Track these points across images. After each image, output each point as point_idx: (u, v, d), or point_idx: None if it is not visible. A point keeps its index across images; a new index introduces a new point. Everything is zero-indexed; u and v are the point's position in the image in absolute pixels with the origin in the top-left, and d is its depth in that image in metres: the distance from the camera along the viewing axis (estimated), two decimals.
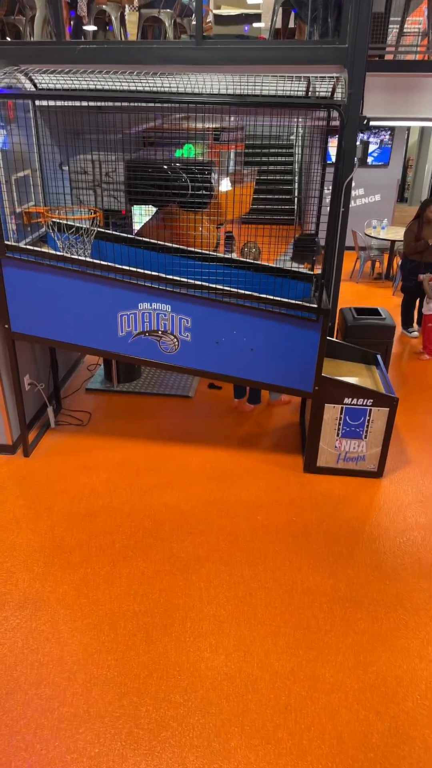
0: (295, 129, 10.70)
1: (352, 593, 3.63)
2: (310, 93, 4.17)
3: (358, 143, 4.94)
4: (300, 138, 11.16)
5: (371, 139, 10.20)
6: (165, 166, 4.83)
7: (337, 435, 4.60)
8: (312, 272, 4.89)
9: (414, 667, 3.16)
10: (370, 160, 10.29)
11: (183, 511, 4.30)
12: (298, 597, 3.59)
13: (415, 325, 7.31)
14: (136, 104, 4.01)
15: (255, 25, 10.96)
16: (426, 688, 3.05)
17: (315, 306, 4.27)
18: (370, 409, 4.49)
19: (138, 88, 4.03)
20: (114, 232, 4.90)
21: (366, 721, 2.88)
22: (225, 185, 5.94)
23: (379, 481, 4.69)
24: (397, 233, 9.07)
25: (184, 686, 3.03)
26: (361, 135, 10.14)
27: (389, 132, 10.16)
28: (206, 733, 2.81)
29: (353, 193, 10.35)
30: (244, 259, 5.00)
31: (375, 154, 10.31)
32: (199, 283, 4.27)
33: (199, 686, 3.03)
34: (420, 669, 3.15)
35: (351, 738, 2.80)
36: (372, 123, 5.06)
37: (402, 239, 7.57)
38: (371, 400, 4.48)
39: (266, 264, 4.84)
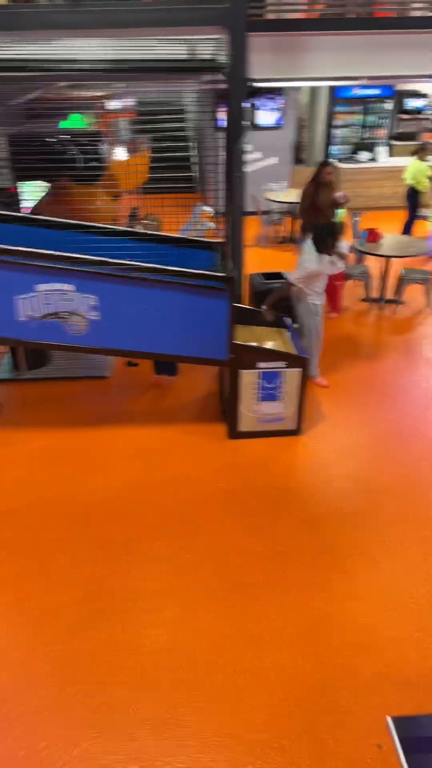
0: (185, 94, 10.51)
1: (284, 548, 3.76)
2: (192, 56, 4.08)
3: (247, 106, 4.91)
4: (191, 103, 10.97)
5: (269, 104, 10.19)
6: (52, 139, 4.61)
7: (256, 399, 4.69)
8: (215, 240, 4.88)
9: (346, 611, 3.34)
10: (272, 121, 10.31)
11: (110, 495, 4.26)
12: (232, 560, 3.68)
13: None
14: (8, 74, 3.76)
15: None
16: (358, 627, 3.24)
17: (221, 274, 4.27)
18: (284, 371, 4.60)
19: (11, 56, 3.78)
20: (3, 212, 4.65)
21: (305, 668, 3.02)
22: (119, 155, 5.76)
23: (299, 438, 4.84)
24: (296, 196, 9.19)
25: (131, 665, 3.05)
26: (254, 99, 10.11)
27: (283, 95, 10.19)
28: (154, 706, 2.85)
29: (251, 156, 10.35)
30: (146, 231, 4.91)
31: (274, 119, 10.33)
32: (100, 259, 4.15)
33: (147, 662, 3.06)
34: (352, 611, 3.34)
35: (293, 685, 2.94)
36: (260, 84, 5.05)
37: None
38: (284, 363, 4.58)
39: (169, 235, 4.77)
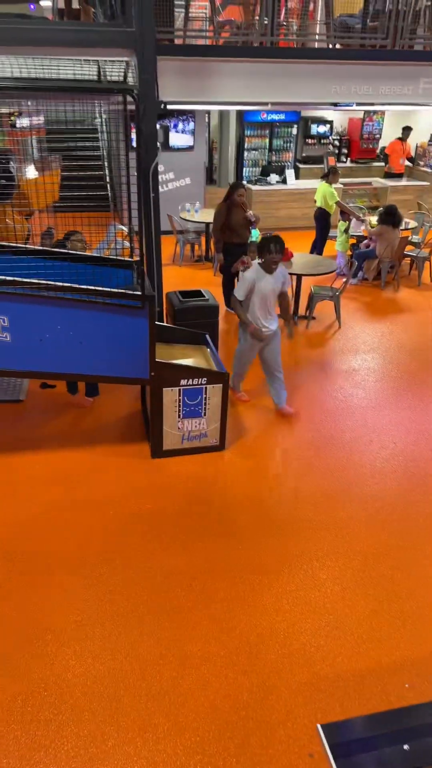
0: (98, 114, 10.49)
1: (209, 565, 3.76)
2: (101, 77, 4.09)
3: (158, 128, 4.97)
4: (104, 123, 10.96)
5: (179, 126, 10.35)
6: None
7: (179, 416, 4.69)
8: (131, 259, 4.87)
9: (272, 622, 3.38)
10: (184, 143, 10.45)
11: (27, 523, 4.08)
12: (158, 582, 3.62)
13: None
14: None
15: (42, 3, 10.44)
16: (284, 637, 3.29)
17: (139, 293, 4.26)
18: (206, 387, 4.64)
19: None
20: None
21: (235, 684, 3.02)
22: (29, 173, 5.63)
23: (222, 453, 4.88)
24: (210, 215, 9.38)
25: (52, 701, 2.91)
26: (166, 121, 10.25)
27: (193, 118, 10.40)
28: (81, 741, 2.74)
29: (164, 177, 10.46)
30: (60, 250, 4.82)
31: (186, 140, 10.49)
32: (11, 279, 4.02)
33: (68, 697, 2.93)
34: (277, 622, 3.38)
35: (223, 702, 2.93)
36: (170, 107, 5.13)
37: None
38: (205, 379, 4.62)
39: (85, 254, 4.71)
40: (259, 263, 4.93)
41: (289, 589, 3.60)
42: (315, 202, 9.09)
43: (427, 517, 4.22)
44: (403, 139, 11.48)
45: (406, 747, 2.33)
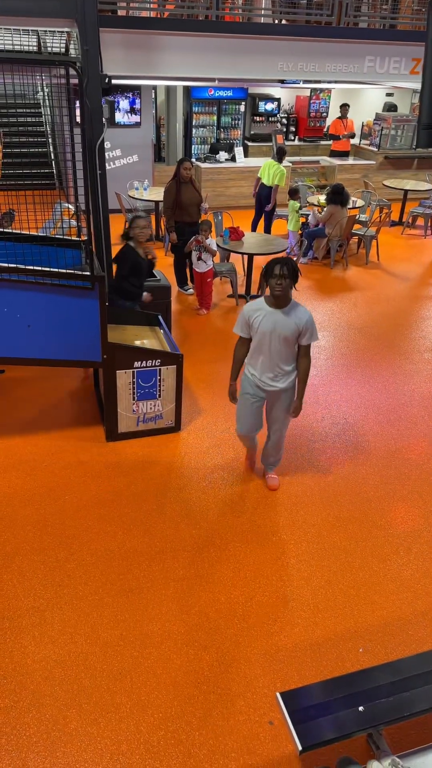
0: (39, 88, 10.10)
1: (167, 545, 3.78)
2: (42, 49, 3.93)
3: (103, 103, 4.83)
4: (47, 97, 10.58)
5: (123, 100, 10.08)
6: None
7: (133, 399, 4.65)
8: (79, 239, 4.76)
9: (230, 597, 3.44)
10: (130, 119, 10.19)
11: None
12: (116, 563, 3.62)
13: (189, 282, 7.62)
14: None
15: None
16: (243, 611, 3.36)
17: (88, 273, 4.17)
18: (160, 369, 4.61)
19: None
20: None
21: (196, 659, 3.07)
22: None
23: (178, 434, 4.89)
24: (159, 193, 9.24)
25: (11, 688, 2.89)
26: (110, 97, 9.97)
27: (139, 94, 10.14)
28: (43, 726, 2.73)
29: (111, 154, 10.21)
30: (4, 230, 4.65)
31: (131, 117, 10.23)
32: None
33: (28, 683, 2.92)
34: (235, 596, 3.45)
35: (185, 678, 2.97)
36: (115, 81, 4.99)
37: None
38: (159, 360, 4.59)
39: (30, 233, 4.55)
40: (264, 296, 3.79)
41: (246, 563, 3.67)
42: (259, 179, 9.02)
43: (377, 488, 4.37)
44: (342, 117, 11.55)
45: (361, 708, 2.44)
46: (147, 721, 2.78)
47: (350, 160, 12.23)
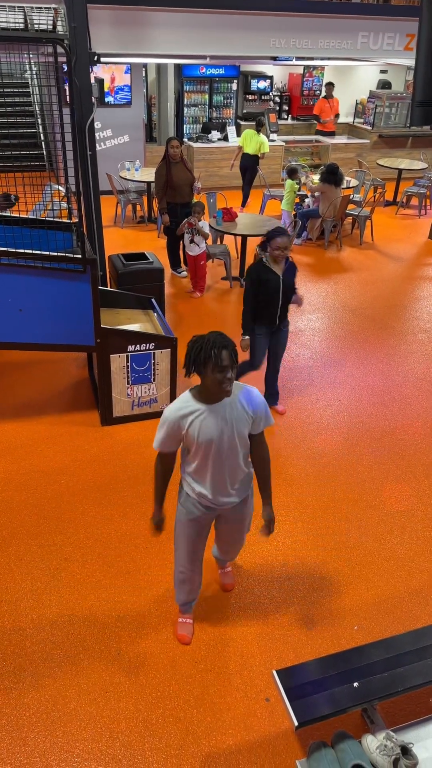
0: (28, 67, 9.90)
1: (166, 527, 3.79)
2: (29, 26, 3.85)
3: (93, 81, 4.75)
4: (35, 76, 10.37)
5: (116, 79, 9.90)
6: None
7: (128, 383, 4.64)
8: (70, 221, 4.70)
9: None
10: (121, 99, 10.02)
11: None
12: (114, 546, 3.65)
13: (182, 264, 7.57)
14: None
15: None
16: (239, 590, 3.39)
17: (79, 256, 4.13)
18: (154, 353, 4.60)
19: None
20: None
21: (193, 639, 3.11)
22: None
23: None
24: (151, 174, 9.13)
25: (11, 670, 2.92)
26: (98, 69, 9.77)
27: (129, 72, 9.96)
28: (43, 706, 2.77)
29: (101, 134, 10.06)
30: None
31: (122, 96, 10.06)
32: None
33: (27, 665, 2.95)
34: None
35: (182, 658, 3.01)
36: (105, 60, 4.90)
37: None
38: (153, 344, 4.58)
39: (20, 216, 4.50)
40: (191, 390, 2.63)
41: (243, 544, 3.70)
42: (241, 148, 9.50)
43: (371, 469, 4.40)
44: (327, 96, 11.37)
45: (355, 684, 2.48)
46: (145, 700, 2.82)
47: (344, 139, 12.10)
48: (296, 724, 2.31)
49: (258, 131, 9.33)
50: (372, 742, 2.41)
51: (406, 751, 2.31)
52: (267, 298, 4.36)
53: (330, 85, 11.25)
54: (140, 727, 2.71)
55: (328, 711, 2.38)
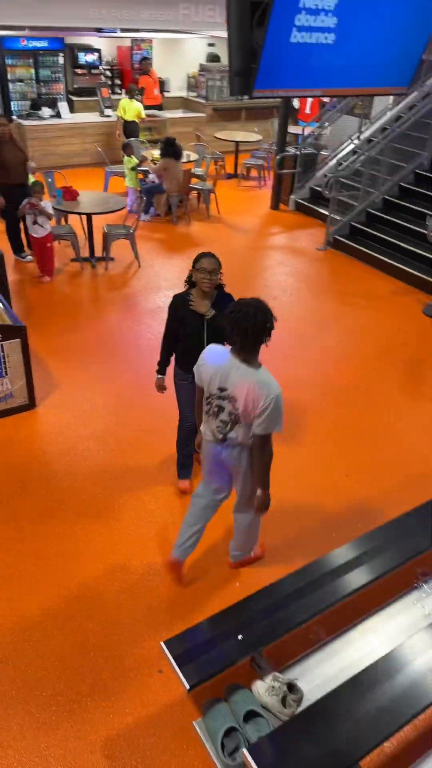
0: None
1: (37, 525, 3.65)
2: None
3: None
4: None
5: None
6: None
7: None
8: None
9: (108, 562, 3.44)
10: None
11: None
12: None
13: (27, 249, 7.17)
14: None
15: None
16: (122, 572, 3.38)
17: None
18: (2, 344, 4.34)
19: None
20: None
21: (80, 630, 3.05)
22: None
23: (35, 411, 4.68)
24: None
25: None
26: None
27: None
28: None
29: None
30: None
31: None
32: None
33: None
34: (114, 560, 3.45)
35: (70, 651, 2.95)
36: None
37: None
38: (0, 336, 4.31)
39: None
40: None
41: (119, 528, 3.68)
42: (120, 118, 9.82)
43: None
44: (144, 72, 11.25)
45: (240, 637, 2.59)
46: (36, 701, 2.72)
47: (180, 113, 12.12)
48: (188, 687, 2.38)
49: (132, 98, 9.77)
50: (261, 687, 2.55)
51: (292, 687, 2.47)
52: (186, 342, 3.42)
53: (145, 60, 11.33)
54: (34, 728, 2.62)
55: (217, 668, 2.48)
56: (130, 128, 9.88)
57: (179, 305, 3.42)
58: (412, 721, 2.61)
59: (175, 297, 3.49)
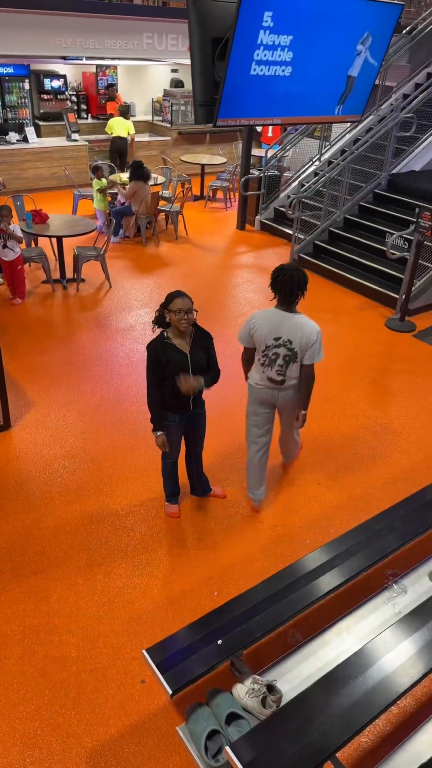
0: None
1: (13, 545, 3.69)
2: None
3: None
4: None
5: None
6: None
7: None
8: None
9: (87, 577, 3.49)
10: None
11: None
12: None
13: None
14: None
15: None
16: (102, 587, 3.43)
17: None
18: None
19: None
20: None
21: (61, 645, 3.09)
22: None
23: (10, 432, 4.71)
24: None
25: None
26: None
27: None
28: None
29: None
30: None
31: None
32: None
33: None
34: (93, 575, 3.50)
35: (52, 666, 2.99)
36: None
37: None
38: None
39: None
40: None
41: (97, 543, 3.73)
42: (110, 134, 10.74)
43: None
44: (111, 98, 11.71)
45: (219, 642, 2.68)
46: (20, 717, 2.75)
47: (147, 137, 12.36)
48: (170, 692, 2.45)
49: (126, 117, 10.78)
50: (241, 690, 2.63)
51: (271, 688, 2.56)
52: (173, 383, 3.34)
53: (111, 86, 11.95)
54: (18, 744, 2.65)
55: (198, 672, 2.55)
56: (119, 144, 10.76)
57: (160, 350, 3.35)
58: (386, 716, 2.73)
59: (153, 344, 3.40)
